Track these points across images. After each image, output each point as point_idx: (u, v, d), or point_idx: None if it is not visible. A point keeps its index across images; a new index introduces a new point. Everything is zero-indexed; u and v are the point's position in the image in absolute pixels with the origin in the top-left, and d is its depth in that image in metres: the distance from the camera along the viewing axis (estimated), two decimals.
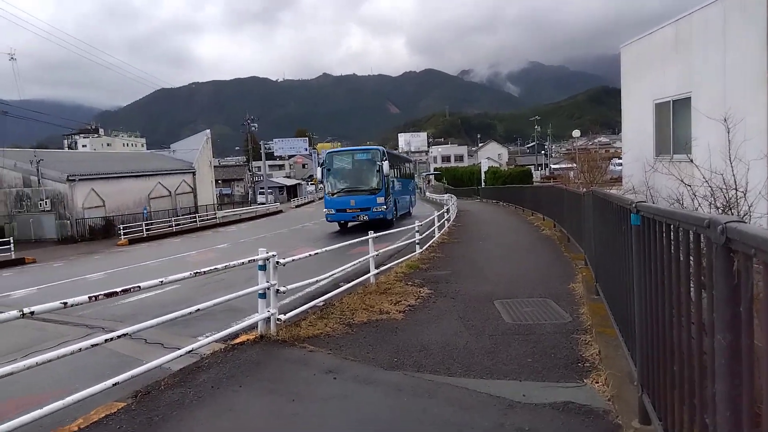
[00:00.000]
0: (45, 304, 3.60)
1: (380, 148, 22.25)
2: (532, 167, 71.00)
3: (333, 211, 21.07)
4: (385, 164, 20.39)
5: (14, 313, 3.41)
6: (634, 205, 3.29)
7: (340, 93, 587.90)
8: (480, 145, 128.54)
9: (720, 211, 8.37)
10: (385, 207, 20.41)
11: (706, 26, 11.12)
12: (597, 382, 4.24)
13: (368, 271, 9.13)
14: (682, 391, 2.41)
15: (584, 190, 13.11)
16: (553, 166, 79.68)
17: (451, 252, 12.97)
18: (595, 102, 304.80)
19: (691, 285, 2.26)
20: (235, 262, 5.79)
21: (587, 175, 19.69)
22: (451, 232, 17.68)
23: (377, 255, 9.54)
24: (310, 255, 7.16)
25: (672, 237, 2.47)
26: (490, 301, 7.39)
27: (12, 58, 37.40)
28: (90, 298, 3.86)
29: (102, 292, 3.98)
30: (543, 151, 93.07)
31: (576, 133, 44.59)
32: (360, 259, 9.15)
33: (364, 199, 20.49)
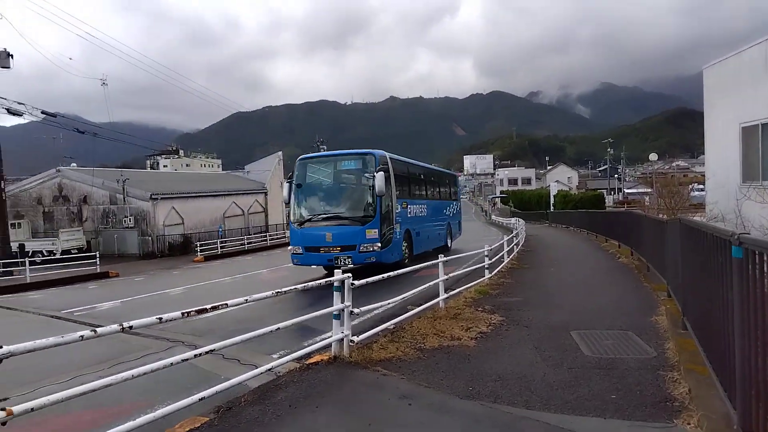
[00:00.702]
0: (143, 319, 3.81)
1: (376, 152, 14.48)
2: (605, 191, 68.55)
3: (300, 251, 14.25)
4: (379, 177, 13.34)
5: (115, 327, 3.63)
6: (736, 237, 3.11)
7: (407, 116, 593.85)
8: (548, 167, 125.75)
9: None
10: (379, 245, 13.69)
11: None
12: (689, 424, 3.99)
13: (435, 296, 9.08)
14: None
15: (664, 216, 12.52)
16: (627, 191, 76.58)
17: (522, 278, 12.69)
18: (672, 124, 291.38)
19: None
20: (312, 283, 5.93)
21: (667, 201, 18.85)
22: (521, 257, 17.31)
23: (447, 279, 9.48)
24: (383, 278, 7.21)
25: None
26: (566, 331, 7.15)
27: (104, 83, 40.18)
28: (183, 314, 4.06)
29: (194, 309, 4.18)
30: (616, 175, 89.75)
31: (653, 156, 42.76)
32: (428, 283, 9.09)
33: (347, 233, 13.75)
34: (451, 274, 10.52)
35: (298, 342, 7.26)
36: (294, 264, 14.72)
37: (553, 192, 62.82)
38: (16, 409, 3.00)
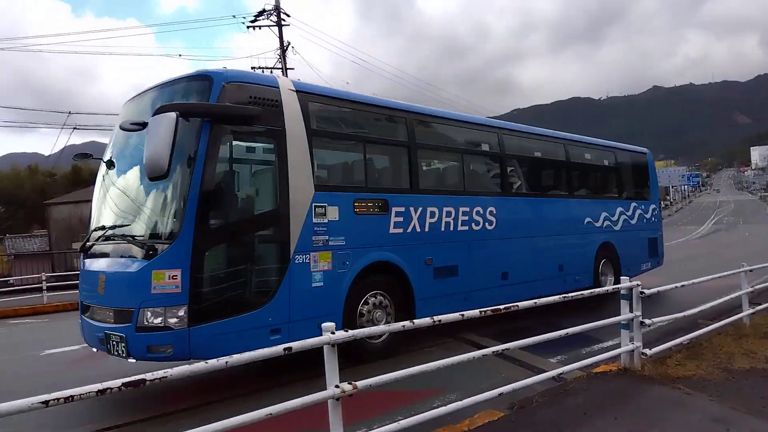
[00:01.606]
0: (448, 315, 4.20)
1: (216, 72, 5.59)
2: None
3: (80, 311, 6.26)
4: (162, 129, 4.75)
5: (428, 320, 4.06)
6: None
7: (674, 105, 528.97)
8: None
9: None
10: (184, 310, 4.99)
11: None
12: None
13: (732, 311, 7.95)
14: None
15: None
16: None
17: None
18: None
19: None
20: (586, 292, 5.70)
21: None
22: None
23: (752, 291, 8.14)
24: (676, 287, 6.54)
25: None
26: None
27: None
28: (480, 312, 4.32)
29: (489, 308, 4.42)
30: None
31: None
32: (728, 296, 7.93)
33: (118, 279, 5.55)
34: (758, 286, 9.00)
35: (572, 348, 6.97)
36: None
37: None
38: (360, 384, 3.58)
